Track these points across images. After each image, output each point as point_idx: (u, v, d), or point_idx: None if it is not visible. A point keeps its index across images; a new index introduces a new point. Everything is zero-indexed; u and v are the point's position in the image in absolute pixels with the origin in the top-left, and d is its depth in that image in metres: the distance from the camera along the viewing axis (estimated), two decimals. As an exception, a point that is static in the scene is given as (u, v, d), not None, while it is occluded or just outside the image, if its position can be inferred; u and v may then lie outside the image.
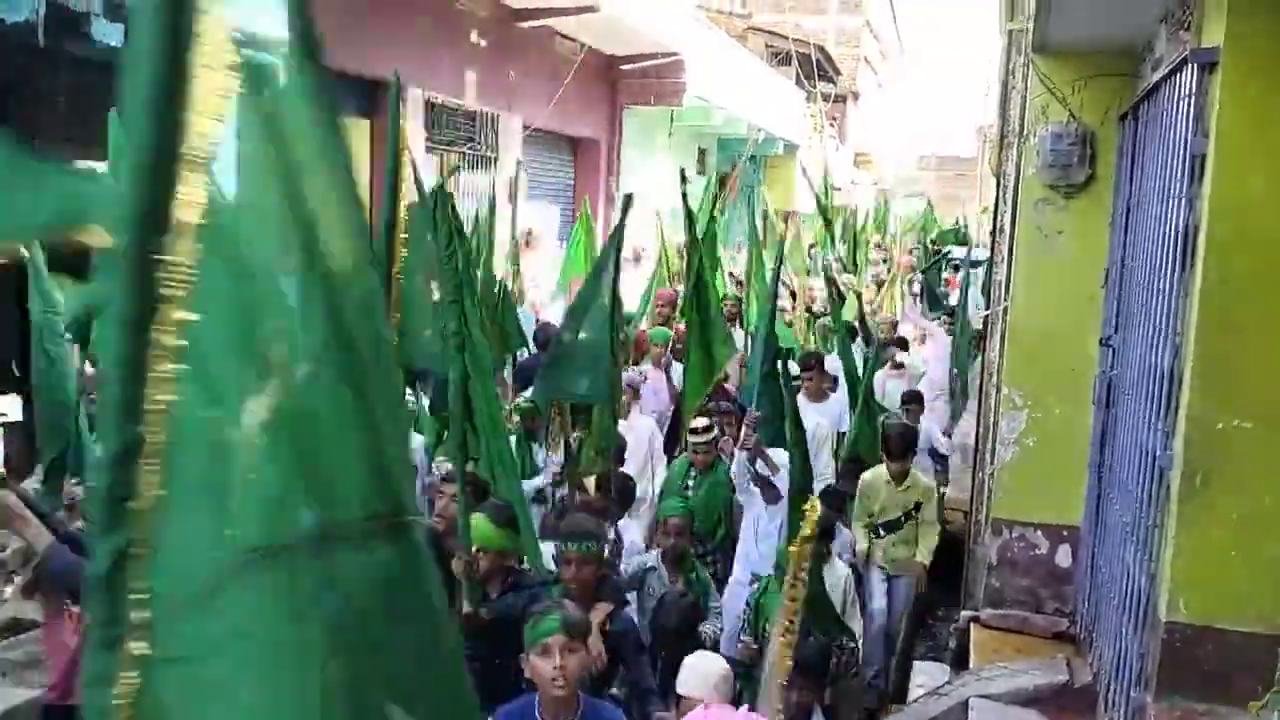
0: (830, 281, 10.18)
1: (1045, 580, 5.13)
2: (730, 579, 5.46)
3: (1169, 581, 3.33)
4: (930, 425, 7.89)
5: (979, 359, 7.43)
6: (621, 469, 5.77)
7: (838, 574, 5.12)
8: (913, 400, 7.80)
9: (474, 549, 3.82)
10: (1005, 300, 5.44)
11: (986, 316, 6.48)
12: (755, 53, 22.53)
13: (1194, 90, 3.32)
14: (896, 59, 44.20)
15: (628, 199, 5.33)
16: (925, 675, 6.41)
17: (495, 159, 12.36)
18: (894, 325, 10.62)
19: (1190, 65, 3.36)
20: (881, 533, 6.27)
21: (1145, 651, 3.50)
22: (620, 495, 5.38)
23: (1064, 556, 5.10)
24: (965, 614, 5.56)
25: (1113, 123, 4.83)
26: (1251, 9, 3.14)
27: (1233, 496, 3.25)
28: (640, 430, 6.60)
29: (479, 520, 3.94)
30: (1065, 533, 5.09)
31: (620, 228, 5.16)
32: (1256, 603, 3.26)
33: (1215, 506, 3.26)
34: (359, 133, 10.25)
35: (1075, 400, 4.97)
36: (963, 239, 20.62)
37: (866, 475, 6.27)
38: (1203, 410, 3.25)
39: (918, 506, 6.18)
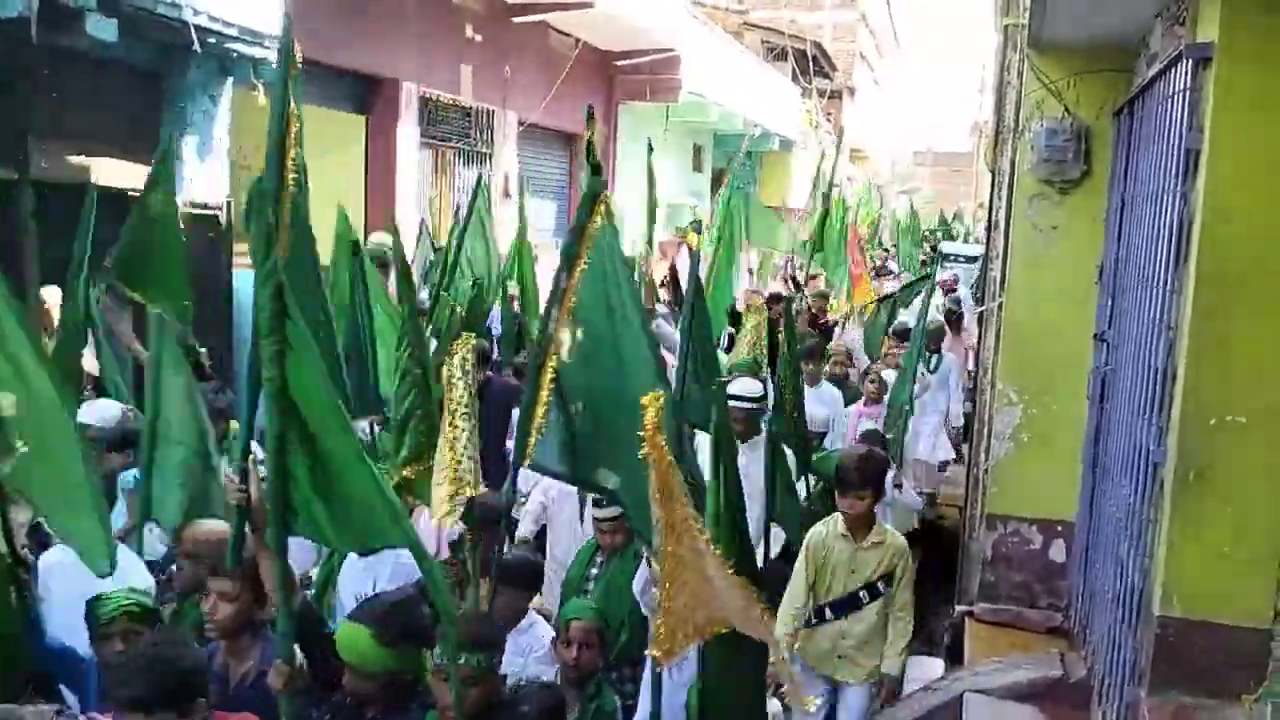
0: (792, 282, 9.15)
1: (1039, 575, 5.14)
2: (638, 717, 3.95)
3: (1162, 576, 3.34)
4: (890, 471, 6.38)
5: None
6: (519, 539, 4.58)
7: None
8: (870, 439, 6.11)
9: (289, 664, 2.82)
10: (1000, 296, 5.45)
11: (981, 312, 6.48)
12: (751, 48, 22.52)
13: (1188, 85, 3.32)
14: (892, 55, 44.22)
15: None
16: (919, 670, 6.42)
17: (490, 155, 12.36)
18: (848, 356, 8.55)
19: (1185, 60, 3.36)
20: (830, 615, 4.35)
21: (1139, 646, 3.51)
22: (523, 575, 3.96)
23: (1058, 551, 5.12)
24: (959, 609, 5.57)
25: (1108, 118, 4.84)
26: (1246, 4, 3.14)
27: (1226, 492, 3.26)
28: (554, 489, 5.02)
29: (357, 633, 2.97)
30: (1059, 528, 5.10)
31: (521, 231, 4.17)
32: (1249, 597, 3.26)
33: (1208, 502, 3.27)
34: (354, 129, 10.23)
35: (1070, 395, 4.98)
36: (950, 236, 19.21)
37: (815, 529, 4.42)
38: (1196, 405, 3.26)
39: (887, 579, 4.31)
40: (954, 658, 5.53)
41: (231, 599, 3.13)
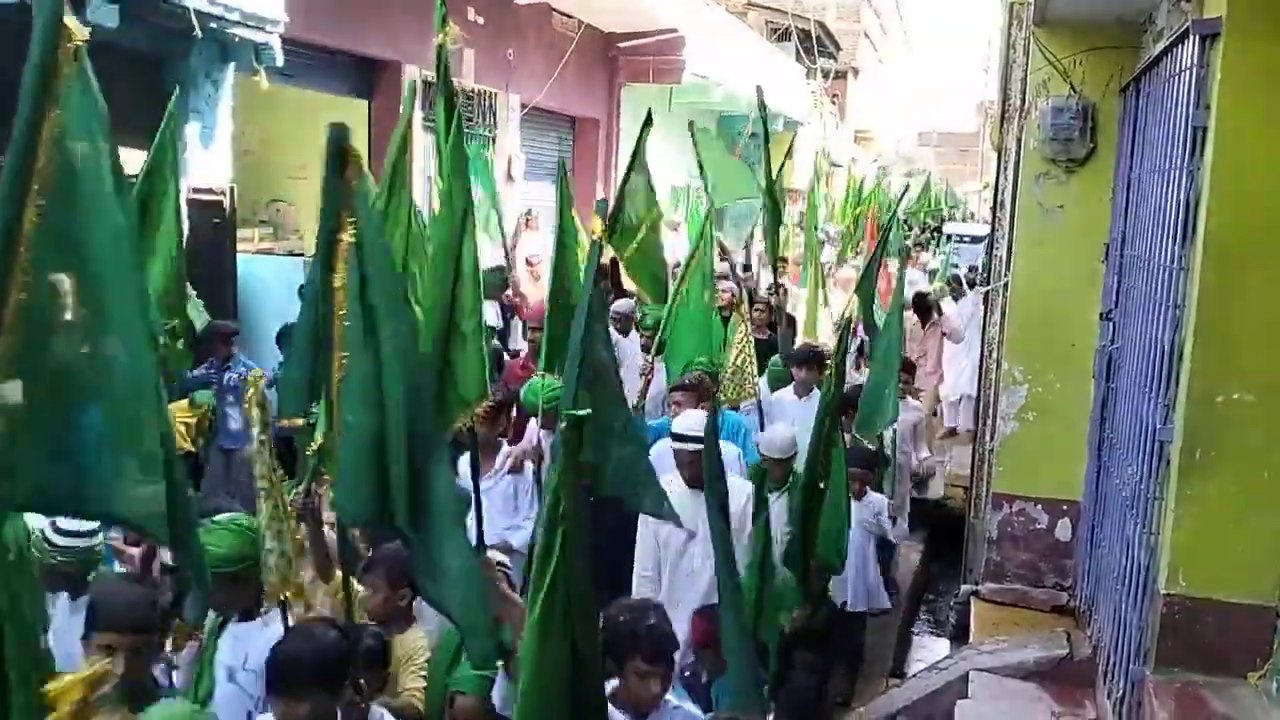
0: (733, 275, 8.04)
1: (1045, 554, 5.15)
2: None
3: (1168, 554, 3.34)
4: (881, 499, 5.58)
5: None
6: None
7: None
8: (861, 463, 5.22)
9: None
10: (1006, 275, 5.44)
11: (987, 292, 6.47)
12: (755, 29, 22.40)
13: (1195, 62, 3.30)
14: (897, 34, 43.93)
15: None
16: (925, 649, 6.45)
17: (493, 138, 12.33)
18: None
19: (1191, 36, 3.34)
20: None
21: (1144, 624, 3.51)
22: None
23: (1064, 530, 5.12)
24: (965, 588, 5.58)
25: (1114, 96, 4.81)
26: (1253, -21, 3.12)
27: (1232, 470, 3.26)
28: None
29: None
30: (1065, 507, 5.11)
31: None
32: (1255, 575, 3.27)
33: (1215, 480, 3.27)
34: (356, 114, 10.20)
35: (1076, 375, 4.97)
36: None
37: None
38: (1203, 384, 3.25)
39: None
40: (960, 637, 5.55)
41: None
